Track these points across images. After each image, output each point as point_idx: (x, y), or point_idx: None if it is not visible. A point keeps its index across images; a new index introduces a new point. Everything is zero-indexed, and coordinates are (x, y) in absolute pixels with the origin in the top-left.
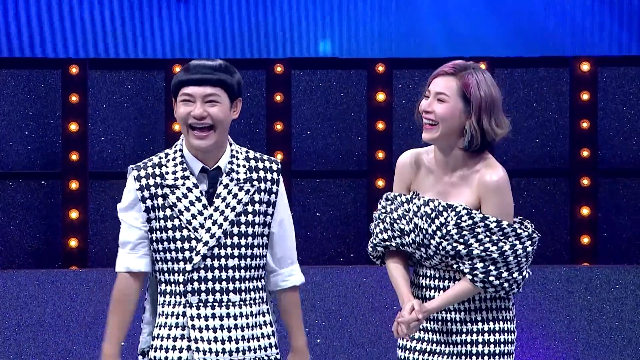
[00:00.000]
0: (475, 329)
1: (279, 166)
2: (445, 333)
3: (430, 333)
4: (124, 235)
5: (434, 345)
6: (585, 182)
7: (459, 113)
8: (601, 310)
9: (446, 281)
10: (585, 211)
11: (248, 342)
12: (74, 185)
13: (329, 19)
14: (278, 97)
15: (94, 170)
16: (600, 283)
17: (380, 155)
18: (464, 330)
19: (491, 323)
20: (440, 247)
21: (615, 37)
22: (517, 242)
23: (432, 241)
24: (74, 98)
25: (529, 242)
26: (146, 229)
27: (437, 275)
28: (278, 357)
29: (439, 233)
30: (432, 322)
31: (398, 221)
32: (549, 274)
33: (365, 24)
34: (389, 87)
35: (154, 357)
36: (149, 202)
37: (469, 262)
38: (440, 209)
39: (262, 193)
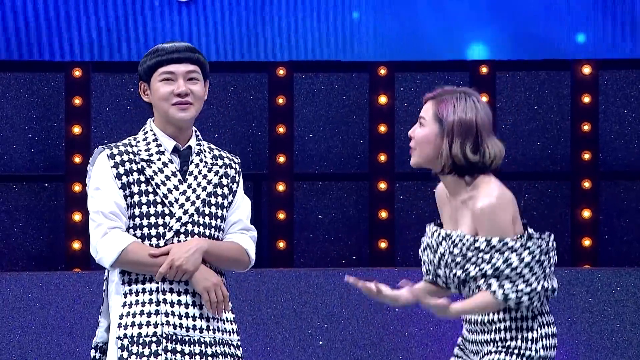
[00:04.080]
0: (489, 339)
1: (239, 161)
2: (472, 352)
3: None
4: (108, 205)
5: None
6: (587, 184)
7: (434, 137)
8: (602, 312)
9: None
10: (586, 214)
11: (217, 322)
12: (77, 187)
13: (331, 21)
14: (280, 100)
15: None
16: (602, 285)
17: (382, 158)
18: (482, 350)
19: (510, 342)
20: (445, 277)
21: (616, 41)
22: (512, 254)
23: (439, 271)
24: (77, 101)
25: (526, 252)
26: (125, 204)
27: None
28: (239, 343)
29: (441, 263)
30: (467, 343)
31: (421, 254)
32: None
33: (367, 26)
34: (391, 90)
35: (125, 334)
36: (124, 179)
37: (474, 283)
38: (440, 239)
39: (229, 179)
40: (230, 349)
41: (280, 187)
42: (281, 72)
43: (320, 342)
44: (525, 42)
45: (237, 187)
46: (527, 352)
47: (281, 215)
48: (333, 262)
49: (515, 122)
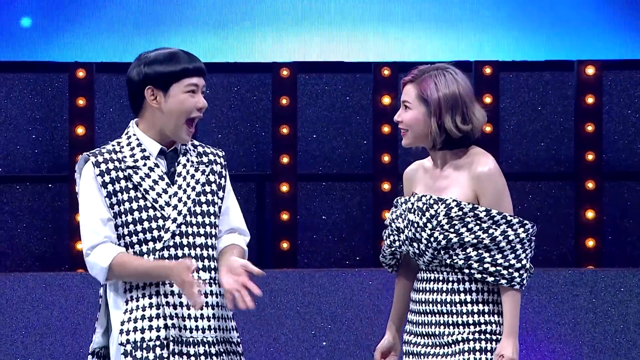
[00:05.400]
0: (460, 321)
1: (224, 154)
2: (432, 336)
3: (419, 337)
4: (93, 217)
5: (423, 347)
6: (590, 185)
7: (423, 117)
8: (606, 313)
9: (440, 283)
10: (590, 214)
11: (218, 321)
12: None
13: (335, 22)
14: (284, 101)
15: None
16: (605, 286)
17: (386, 158)
18: (450, 322)
19: (486, 326)
20: (432, 239)
21: (620, 41)
22: (508, 228)
23: (423, 234)
24: (81, 102)
25: (522, 229)
26: (111, 215)
27: (431, 278)
28: (239, 340)
29: (429, 225)
30: (420, 326)
31: (396, 220)
32: (554, 277)
33: (371, 27)
34: (395, 90)
35: (127, 340)
36: (110, 187)
37: (463, 252)
38: (431, 202)
39: (215, 175)
40: (231, 346)
41: (284, 188)
42: (285, 72)
43: (324, 343)
44: (528, 43)
45: (224, 182)
46: (499, 337)
47: (285, 216)
48: (337, 262)
49: (519, 122)
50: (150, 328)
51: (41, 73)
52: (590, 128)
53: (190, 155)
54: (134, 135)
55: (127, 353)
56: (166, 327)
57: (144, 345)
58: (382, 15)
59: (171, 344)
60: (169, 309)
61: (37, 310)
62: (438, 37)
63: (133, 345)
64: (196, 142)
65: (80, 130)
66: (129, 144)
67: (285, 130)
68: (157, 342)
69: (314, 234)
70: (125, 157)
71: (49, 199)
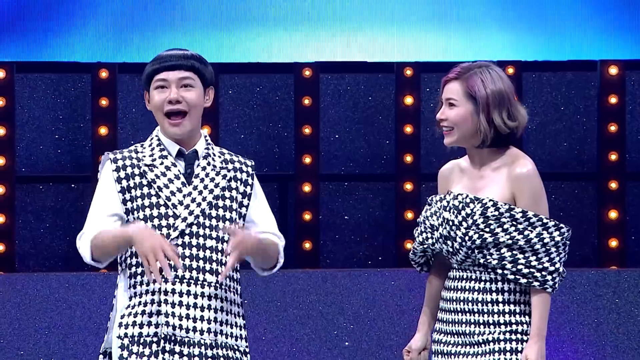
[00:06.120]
0: (491, 321)
1: (253, 164)
2: (462, 335)
3: (449, 336)
4: (100, 212)
5: (453, 347)
6: (613, 185)
7: (470, 114)
8: (629, 313)
9: (472, 282)
10: (613, 214)
11: (221, 325)
12: None
13: (357, 22)
14: (306, 101)
15: None
16: (629, 286)
17: (409, 158)
18: (480, 321)
19: (517, 326)
20: (467, 238)
21: None
22: (544, 231)
23: (457, 232)
24: (104, 102)
25: (557, 232)
26: (122, 211)
27: (464, 277)
28: (247, 350)
29: (464, 224)
30: (450, 325)
31: (430, 218)
32: (577, 277)
33: (393, 27)
34: (417, 90)
35: (125, 333)
36: (124, 182)
37: (497, 252)
38: (468, 200)
39: (239, 182)
40: (235, 354)
41: (306, 188)
42: (307, 73)
43: (347, 343)
44: (551, 43)
45: (251, 190)
46: (527, 337)
47: (307, 216)
48: (359, 263)
49: (541, 122)
50: (149, 324)
51: (64, 73)
52: (613, 128)
53: (213, 160)
54: (156, 136)
55: (123, 346)
56: (163, 324)
57: (142, 340)
58: (404, 15)
59: (165, 341)
60: (167, 307)
61: (60, 310)
62: (460, 37)
63: (130, 339)
64: (224, 150)
65: (103, 131)
66: (150, 145)
67: (307, 130)
68: (154, 339)
69: (336, 234)
70: (144, 156)
71: (72, 199)
